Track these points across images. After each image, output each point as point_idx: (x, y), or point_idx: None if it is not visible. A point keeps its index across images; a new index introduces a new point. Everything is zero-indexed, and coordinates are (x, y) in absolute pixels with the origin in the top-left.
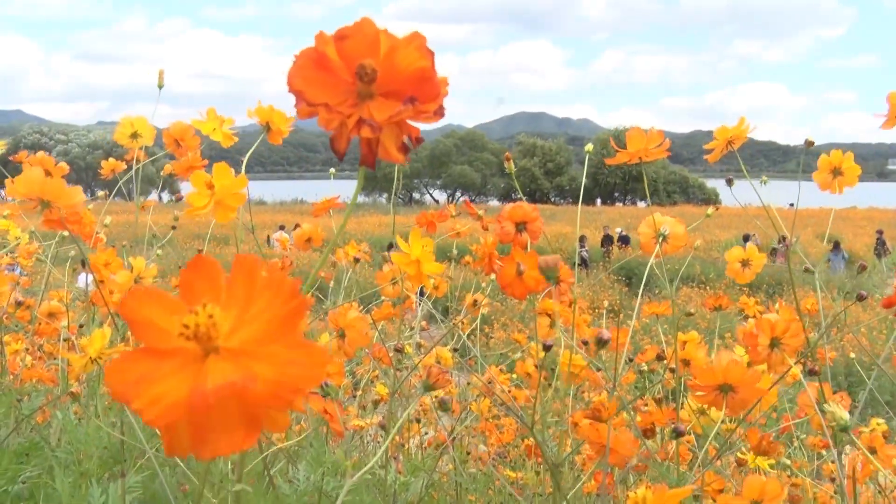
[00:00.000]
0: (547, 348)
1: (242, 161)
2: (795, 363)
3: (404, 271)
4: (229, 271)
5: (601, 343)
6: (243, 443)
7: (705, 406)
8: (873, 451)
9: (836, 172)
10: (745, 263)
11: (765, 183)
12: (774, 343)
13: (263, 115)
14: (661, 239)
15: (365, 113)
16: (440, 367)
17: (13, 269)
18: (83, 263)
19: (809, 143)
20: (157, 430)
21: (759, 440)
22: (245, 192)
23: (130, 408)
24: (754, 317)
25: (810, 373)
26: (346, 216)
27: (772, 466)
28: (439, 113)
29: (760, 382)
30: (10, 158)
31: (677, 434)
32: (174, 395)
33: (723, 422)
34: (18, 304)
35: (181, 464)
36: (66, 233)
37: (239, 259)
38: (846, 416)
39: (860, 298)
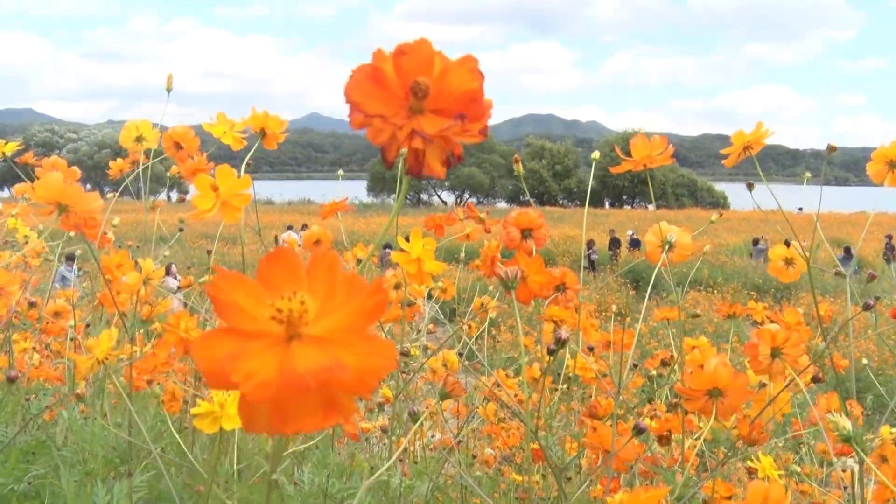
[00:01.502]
0: (552, 352)
1: (248, 162)
2: (804, 371)
3: (405, 270)
4: (256, 267)
5: (559, 343)
6: (323, 423)
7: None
8: (884, 459)
9: (893, 165)
10: (788, 262)
11: (807, 181)
12: (775, 353)
13: (258, 122)
14: (667, 247)
15: (417, 126)
16: (455, 376)
17: (70, 270)
18: (70, 258)
19: (832, 149)
20: (162, 431)
21: (748, 430)
22: (250, 192)
23: (226, 378)
24: (762, 322)
25: (815, 380)
26: (392, 218)
27: (781, 475)
28: (484, 133)
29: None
30: (17, 161)
31: (639, 431)
32: (265, 374)
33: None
34: (31, 304)
35: (188, 463)
36: (72, 232)
37: (318, 255)
38: (849, 426)
39: (867, 308)
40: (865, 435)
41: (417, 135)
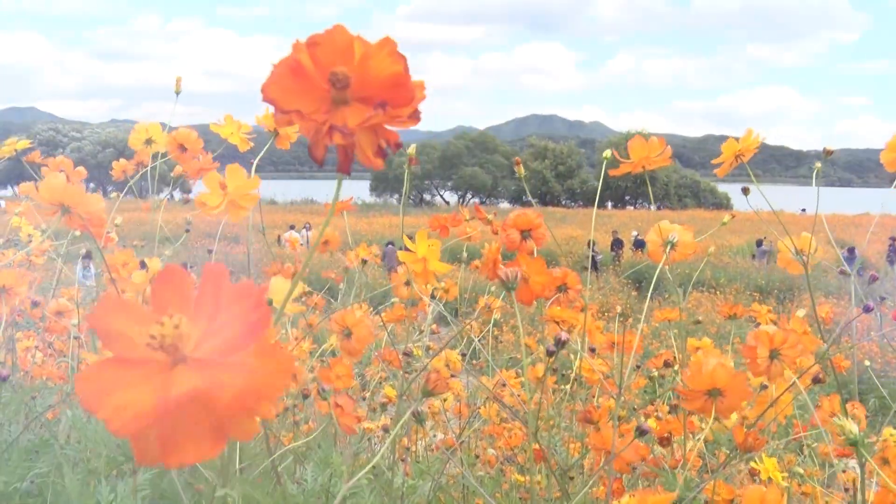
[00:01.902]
0: (551, 353)
1: (253, 161)
2: (805, 373)
3: (410, 269)
4: (258, 267)
5: (559, 344)
6: (210, 451)
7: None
8: (886, 461)
9: None
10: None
11: (818, 170)
12: (774, 354)
13: (271, 121)
14: (669, 247)
15: (338, 119)
16: (438, 373)
17: (87, 269)
18: (88, 257)
19: (828, 152)
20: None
21: (744, 437)
22: (257, 192)
23: (97, 416)
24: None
25: (815, 381)
26: (325, 223)
27: (784, 477)
28: (414, 117)
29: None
30: (24, 160)
31: (641, 433)
32: (141, 404)
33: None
34: (35, 304)
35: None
36: (77, 232)
37: (207, 268)
38: (856, 429)
39: (867, 310)
40: (868, 437)
41: (336, 130)
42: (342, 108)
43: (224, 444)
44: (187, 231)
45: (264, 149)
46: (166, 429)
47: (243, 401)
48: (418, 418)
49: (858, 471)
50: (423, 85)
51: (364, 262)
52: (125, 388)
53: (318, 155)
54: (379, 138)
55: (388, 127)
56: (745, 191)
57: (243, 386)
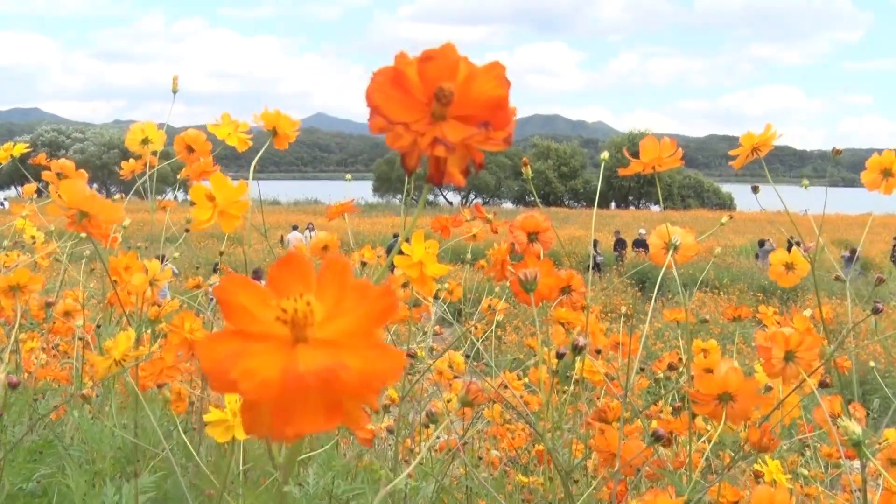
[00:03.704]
0: (560, 356)
1: (254, 162)
2: (810, 375)
3: (407, 275)
4: (268, 271)
5: (577, 350)
6: (325, 425)
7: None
8: (893, 462)
9: (887, 174)
10: (788, 267)
11: (806, 187)
12: (789, 356)
13: (270, 120)
14: (672, 249)
15: (439, 133)
16: (478, 384)
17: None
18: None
19: (837, 152)
20: (170, 431)
21: (759, 436)
22: (247, 198)
23: (227, 377)
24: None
25: (821, 385)
26: (414, 220)
27: (788, 479)
28: (508, 141)
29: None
30: (30, 162)
31: (657, 438)
32: (266, 373)
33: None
34: (48, 304)
35: (197, 465)
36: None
37: (330, 260)
38: (859, 430)
39: (876, 311)
40: (871, 437)
41: (440, 143)
42: (440, 123)
43: (337, 422)
44: (187, 231)
45: (263, 149)
46: (287, 400)
47: (364, 383)
48: (431, 419)
49: (860, 471)
50: (516, 111)
51: (363, 264)
52: (252, 357)
53: (412, 164)
54: (469, 157)
55: (479, 147)
56: (755, 189)
57: (365, 370)
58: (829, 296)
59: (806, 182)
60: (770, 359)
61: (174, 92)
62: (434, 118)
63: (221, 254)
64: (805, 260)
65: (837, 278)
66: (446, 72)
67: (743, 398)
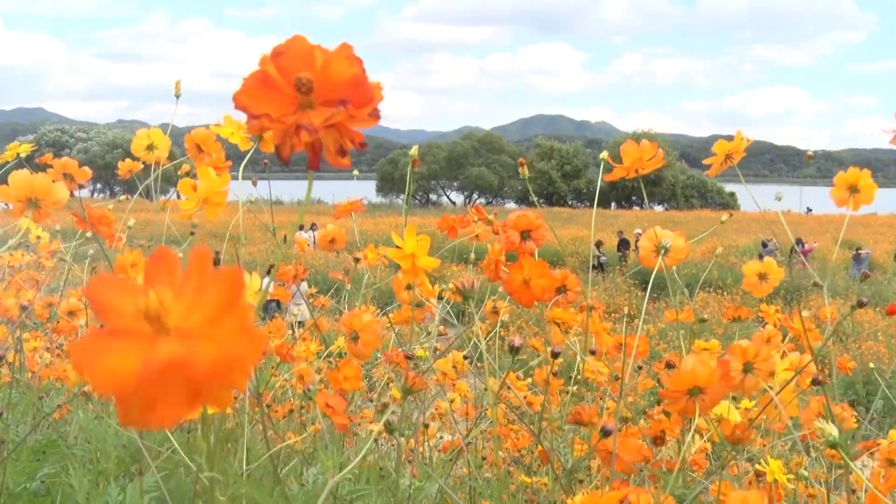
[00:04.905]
0: (556, 355)
1: (262, 161)
2: (801, 369)
3: (400, 266)
4: (260, 266)
5: (513, 350)
6: (184, 413)
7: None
8: (892, 463)
9: (854, 189)
10: (762, 277)
11: (779, 199)
12: (748, 368)
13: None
14: (662, 252)
15: (303, 119)
16: (416, 372)
17: None
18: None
19: (809, 157)
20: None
21: (731, 429)
22: (227, 189)
23: (83, 377)
24: (774, 325)
25: (815, 383)
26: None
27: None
28: (374, 115)
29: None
30: (37, 161)
31: (605, 434)
32: (126, 368)
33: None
34: (49, 305)
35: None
36: (88, 233)
37: (194, 252)
38: (836, 431)
39: (860, 305)
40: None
41: (303, 128)
42: (308, 111)
43: (198, 409)
44: (192, 234)
45: (246, 157)
46: (147, 392)
47: (216, 370)
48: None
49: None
50: (381, 86)
51: (357, 260)
52: (113, 354)
53: (284, 155)
54: (344, 138)
55: (352, 126)
56: (778, 196)
57: (217, 356)
58: (833, 296)
59: (780, 195)
60: (728, 372)
61: (177, 96)
62: (303, 108)
63: (218, 253)
64: (778, 269)
65: (816, 284)
66: (301, 62)
67: (712, 390)
